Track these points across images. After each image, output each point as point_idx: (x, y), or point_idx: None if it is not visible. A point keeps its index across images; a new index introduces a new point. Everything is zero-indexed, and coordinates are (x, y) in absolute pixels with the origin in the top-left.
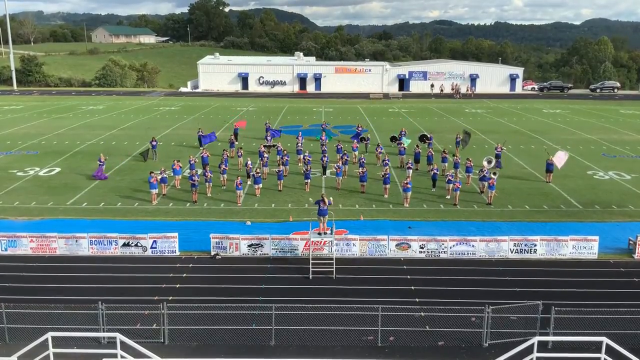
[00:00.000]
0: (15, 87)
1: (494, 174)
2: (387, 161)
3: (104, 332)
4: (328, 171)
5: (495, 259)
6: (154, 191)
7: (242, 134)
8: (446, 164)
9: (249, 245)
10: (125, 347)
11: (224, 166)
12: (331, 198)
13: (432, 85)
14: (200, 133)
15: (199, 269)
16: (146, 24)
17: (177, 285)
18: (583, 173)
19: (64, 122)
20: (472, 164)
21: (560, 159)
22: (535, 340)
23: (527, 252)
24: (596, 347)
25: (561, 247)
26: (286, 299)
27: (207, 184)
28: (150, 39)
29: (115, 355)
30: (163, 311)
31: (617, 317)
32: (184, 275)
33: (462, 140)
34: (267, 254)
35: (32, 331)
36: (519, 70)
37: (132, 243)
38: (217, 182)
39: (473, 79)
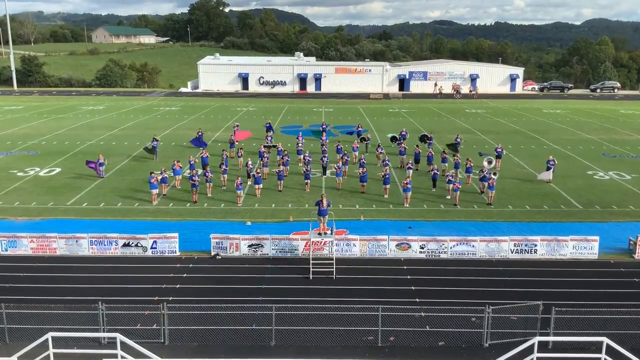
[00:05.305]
0: (15, 87)
1: (494, 174)
2: (387, 161)
3: (104, 332)
4: (328, 171)
5: (495, 259)
6: (154, 191)
7: None
8: (446, 164)
9: (249, 246)
10: (125, 347)
11: (224, 166)
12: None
13: (436, 85)
14: (200, 134)
15: (199, 269)
16: (146, 24)
17: (177, 286)
18: (583, 173)
19: (64, 122)
20: (472, 164)
21: (545, 175)
22: (535, 340)
23: (528, 252)
24: (596, 347)
25: (561, 247)
26: (286, 299)
27: (207, 184)
28: (150, 39)
29: (115, 356)
30: (163, 311)
31: (618, 317)
32: (184, 275)
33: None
34: (267, 254)
35: (32, 331)
36: (519, 71)
37: (132, 243)
38: (217, 182)
39: (473, 79)
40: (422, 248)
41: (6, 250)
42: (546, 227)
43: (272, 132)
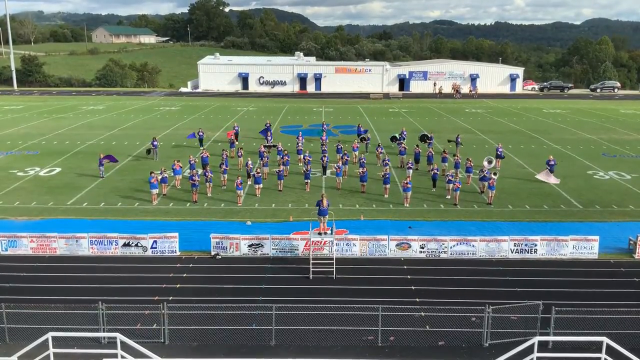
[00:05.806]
0: (15, 87)
1: (494, 174)
2: (387, 161)
3: (104, 332)
4: (328, 171)
5: (495, 258)
6: (155, 191)
7: (242, 134)
8: (446, 164)
9: (249, 245)
10: (125, 347)
11: (224, 166)
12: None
13: (435, 85)
14: (200, 134)
15: (199, 269)
16: (146, 24)
17: (178, 285)
18: (583, 173)
19: (64, 122)
20: (472, 164)
21: (546, 176)
22: (535, 340)
23: (528, 252)
24: (596, 347)
25: (561, 247)
26: (286, 299)
27: (207, 184)
28: (150, 39)
29: (115, 355)
30: (163, 311)
31: (618, 317)
32: (184, 275)
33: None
34: (268, 254)
35: (32, 331)
36: (519, 70)
37: (133, 243)
38: (217, 182)
39: (473, 78)
40: (422, 248)
41: (6, 250)
42: (546, 226)
43: (269, 133)
